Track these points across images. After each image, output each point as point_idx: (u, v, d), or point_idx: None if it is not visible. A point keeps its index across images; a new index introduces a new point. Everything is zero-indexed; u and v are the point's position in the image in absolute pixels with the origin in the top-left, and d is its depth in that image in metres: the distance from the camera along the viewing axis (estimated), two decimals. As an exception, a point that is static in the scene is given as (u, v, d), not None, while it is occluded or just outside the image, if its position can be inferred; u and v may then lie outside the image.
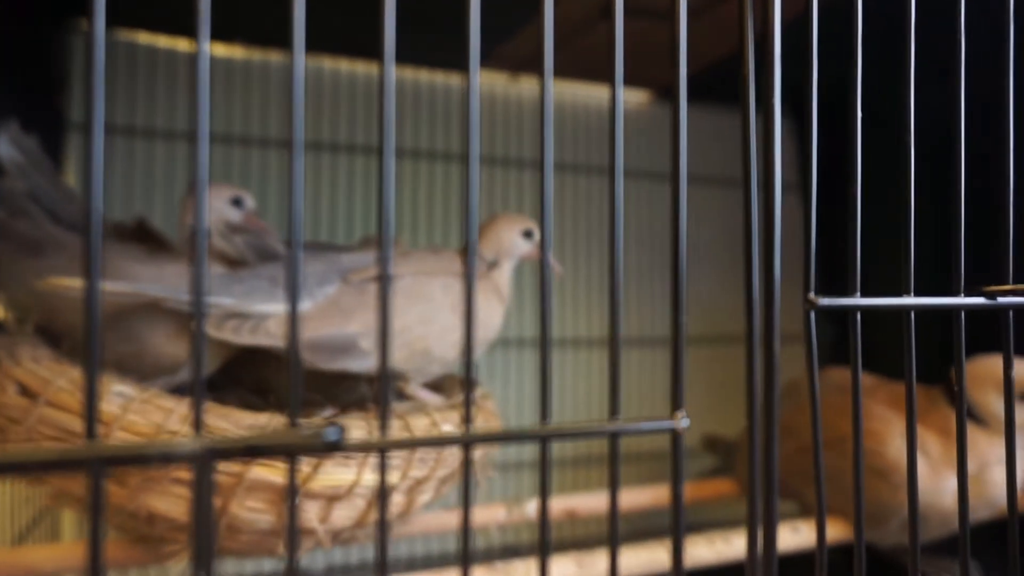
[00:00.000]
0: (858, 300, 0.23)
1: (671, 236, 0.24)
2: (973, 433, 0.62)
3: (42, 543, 0.65)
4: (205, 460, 0.15)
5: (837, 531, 0.64)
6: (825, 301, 0.22)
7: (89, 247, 0.17)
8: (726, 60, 0.78)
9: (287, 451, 0.16)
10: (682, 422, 0.20)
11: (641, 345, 0.94)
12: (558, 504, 0.65)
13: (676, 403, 0.20)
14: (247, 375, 0.56)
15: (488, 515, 0.62)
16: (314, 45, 0.80)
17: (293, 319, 0.18)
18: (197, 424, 0.16)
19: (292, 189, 0.20)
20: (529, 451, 0.88)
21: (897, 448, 0.62)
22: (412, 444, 0.18)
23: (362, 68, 0.84)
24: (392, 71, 0.21)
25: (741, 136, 0.25)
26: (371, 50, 0.80)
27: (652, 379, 0.95)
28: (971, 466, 0.61)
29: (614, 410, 0.20)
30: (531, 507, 0.63)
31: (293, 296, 0.19)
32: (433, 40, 0.70)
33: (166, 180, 0.75)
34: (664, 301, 0.96)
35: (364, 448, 0.17)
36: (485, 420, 0.55)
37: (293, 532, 0.17)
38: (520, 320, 0.88)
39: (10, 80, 0.62)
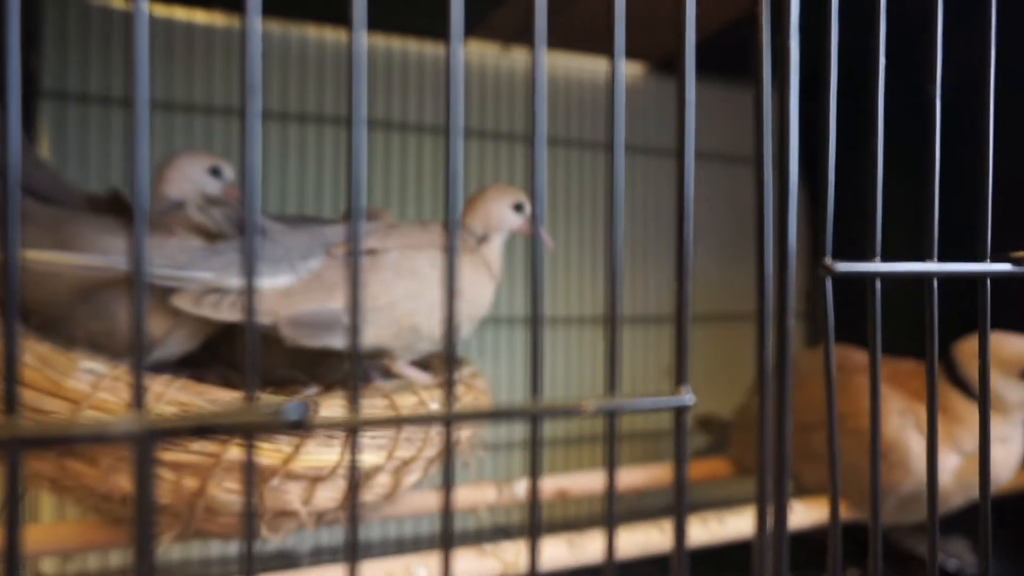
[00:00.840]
0: (878, 266, 0.21)
1: (676, 206, 0.22)
2: (971, 410, 0.61)
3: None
4: (145, 441, 0.13)
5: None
6: (843, 267, 0.20)
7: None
8: (725, 29, 0.75)
9: (242, 430, 0.14)
10: (686, 398, 0.19)
11: (633, 323, 0.93)
12: (549, 484, 0.63)
13: (680, 378, 0.19)
14: (228, 352, 0.54)
15: (478, 496, 0.61)
16: (304, 13, 0.77)
17: (249, 287, 0.16)
18: (137, 400, 0.14)
19: (247, 151, 0.18)
20: (520, 431, 0.86)
21: (894, 426, 0.61)
22: (386, 422, 0.16)
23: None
24: (364, 38, 0.19)
25: (754, 107, 0.23)
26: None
27: (645, 360, 0.94)
28: (968, 444, 0.61)
29: (611, 386, 0.19)
30: (521, 488, 0.62)
31: (249, 261, 0.17)
32: (434, 9, 0.67)
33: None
34: (655, 279, 0.95)
35: (332, 426, 0.15)
36: (475, 399, 0.54)
37: (250, 517, 0.15)
38: (511, 298, 0.86)
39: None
